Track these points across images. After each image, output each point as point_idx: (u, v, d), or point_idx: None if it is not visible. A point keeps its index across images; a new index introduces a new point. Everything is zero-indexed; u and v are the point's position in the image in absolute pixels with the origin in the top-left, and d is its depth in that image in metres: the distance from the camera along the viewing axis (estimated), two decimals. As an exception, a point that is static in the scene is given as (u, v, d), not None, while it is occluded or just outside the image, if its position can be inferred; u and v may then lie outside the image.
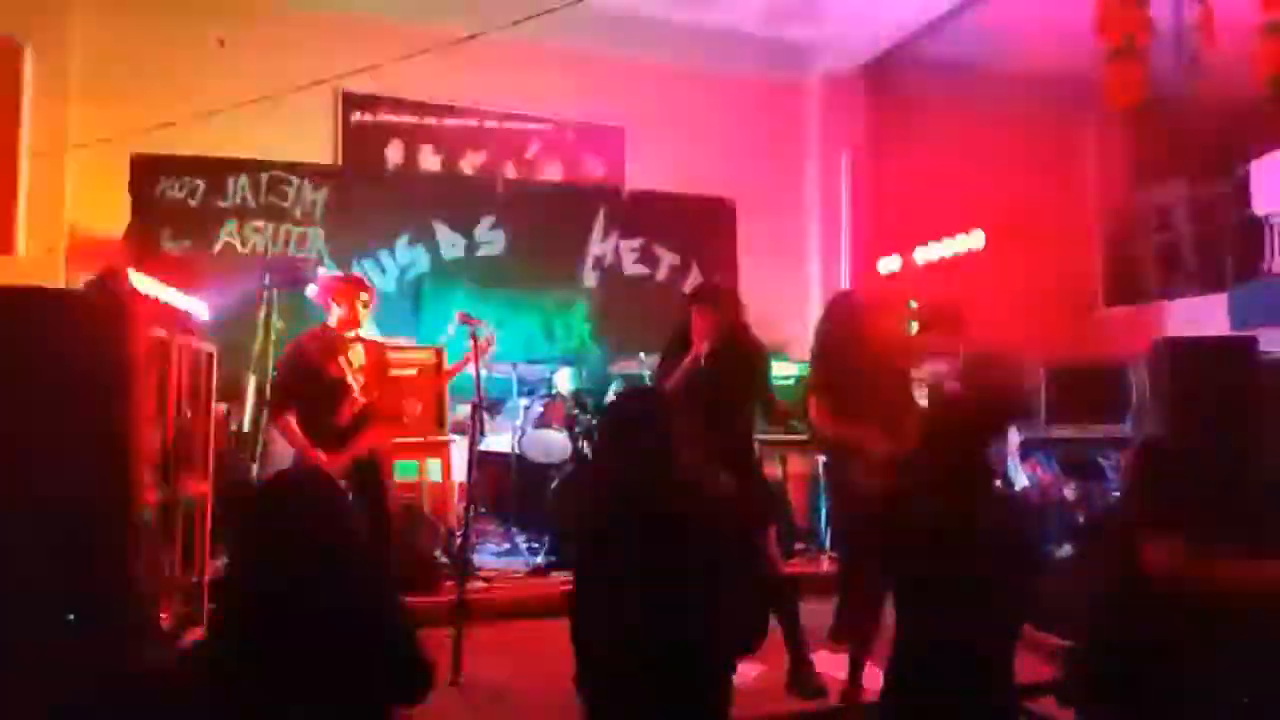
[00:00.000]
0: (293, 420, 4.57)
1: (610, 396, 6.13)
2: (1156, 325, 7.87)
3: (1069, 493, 6.11)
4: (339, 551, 2.43)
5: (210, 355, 4.60)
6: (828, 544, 6.29)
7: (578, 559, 2.74)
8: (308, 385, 4.61)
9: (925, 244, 6.68)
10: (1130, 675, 2.83)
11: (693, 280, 7.98)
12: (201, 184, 6.80)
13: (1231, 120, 7.35)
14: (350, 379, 4.67)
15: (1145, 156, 8.89)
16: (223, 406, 5.61)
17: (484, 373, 5.25)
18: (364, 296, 4.78)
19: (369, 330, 5.04)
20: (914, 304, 6.76)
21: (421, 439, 5.90)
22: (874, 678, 3.07)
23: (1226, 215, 8.18)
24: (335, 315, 4.74)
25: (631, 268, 7.93)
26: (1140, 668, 2.80)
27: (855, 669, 3.05)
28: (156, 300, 4.20)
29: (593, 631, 2.58)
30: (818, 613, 4.64)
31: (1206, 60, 5.31)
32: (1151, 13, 4.40)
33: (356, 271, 7.02)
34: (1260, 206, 7.50)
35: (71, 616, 3.25)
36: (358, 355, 4.77)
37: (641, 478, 2.63)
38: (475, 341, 4.96)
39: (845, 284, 7.97)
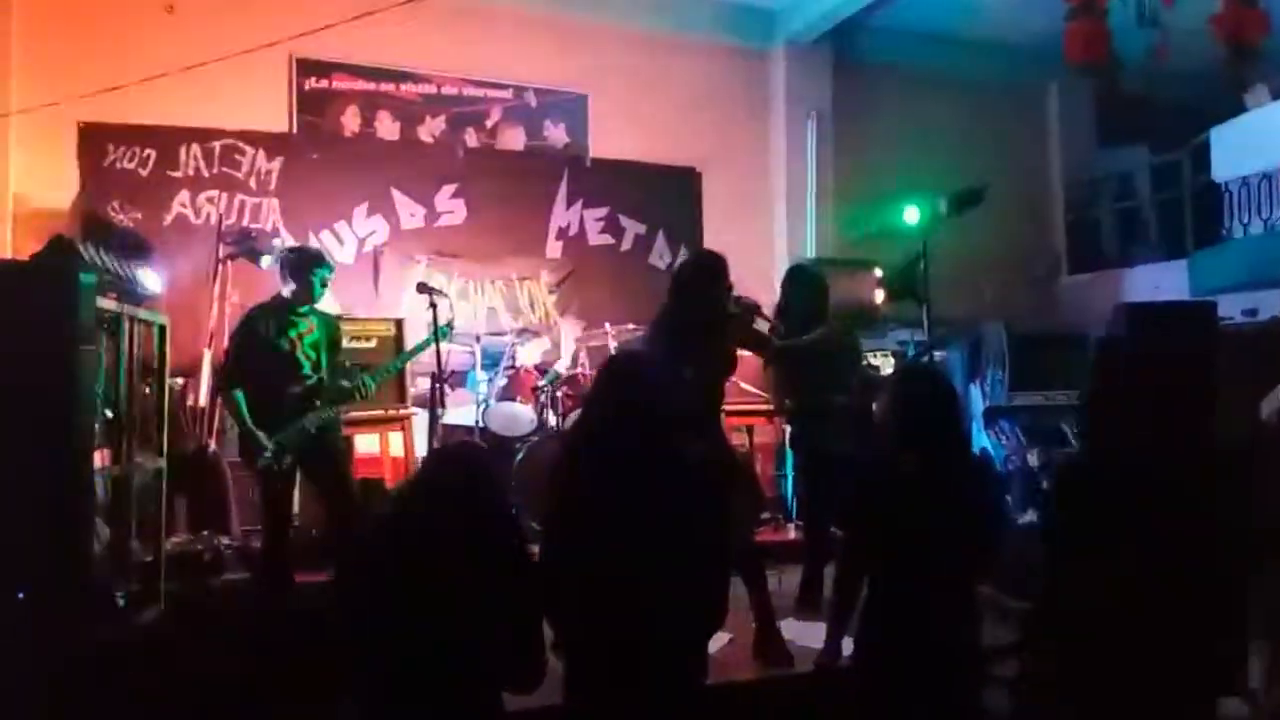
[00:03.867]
0: (239, 396, 4.43)
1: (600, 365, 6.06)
2: (1117, 292, 7.95)
3: (1032, 459, 6.16)
4: (494, 531, 2.43)
5: (163, 328, 4.49)
6: (794, 513, 6.30)
7: (557, 524, 2.69)
8: (258, 359, 4.49)
9: (889, 210, 6.66)
10: (1089, 635, 2.86)
11: (659, 250, 7.93)
12: (152, 153, 6.61)
13: (1191, 86, 7.41)
14: (300, 354, 4.56)
15: (1107, 122, 8.95)
16: (178, 380, 5.51)
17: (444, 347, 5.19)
18: (320, 272, 4.63)
19: (327, 303, 4.92)
20: (879, 271, 6.77)
21: (382, 412, 5.81)
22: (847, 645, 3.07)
23: (1186, 182, 8.27)
24: (289, 288, 4.62)
25: (596, 237, 7.85)
26: (1098, 627, 2.83)
27: (832, 635, 3.05)
28: (107, 272, 4.09)
29: (571, 599, 2.55)
30: (784, 581, 4.66)
31: (1166, 24, 5.33)
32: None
33: (314, 243, 6.89)
34: (1220, 173, 7.58)
35: (21, 595, 3.16)
36: (311, 329, 4.65)
37: (630, 442, 2.60)
38: (435, 311, 4.88)
39: (812, 251, 7.95)
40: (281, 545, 4.47)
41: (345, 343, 5.01)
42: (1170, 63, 5.41)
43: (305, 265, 4.63)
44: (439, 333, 5.02)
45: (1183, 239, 8.18)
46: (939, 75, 8.37)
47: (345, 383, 4.62)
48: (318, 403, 4.52)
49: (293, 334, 4.55)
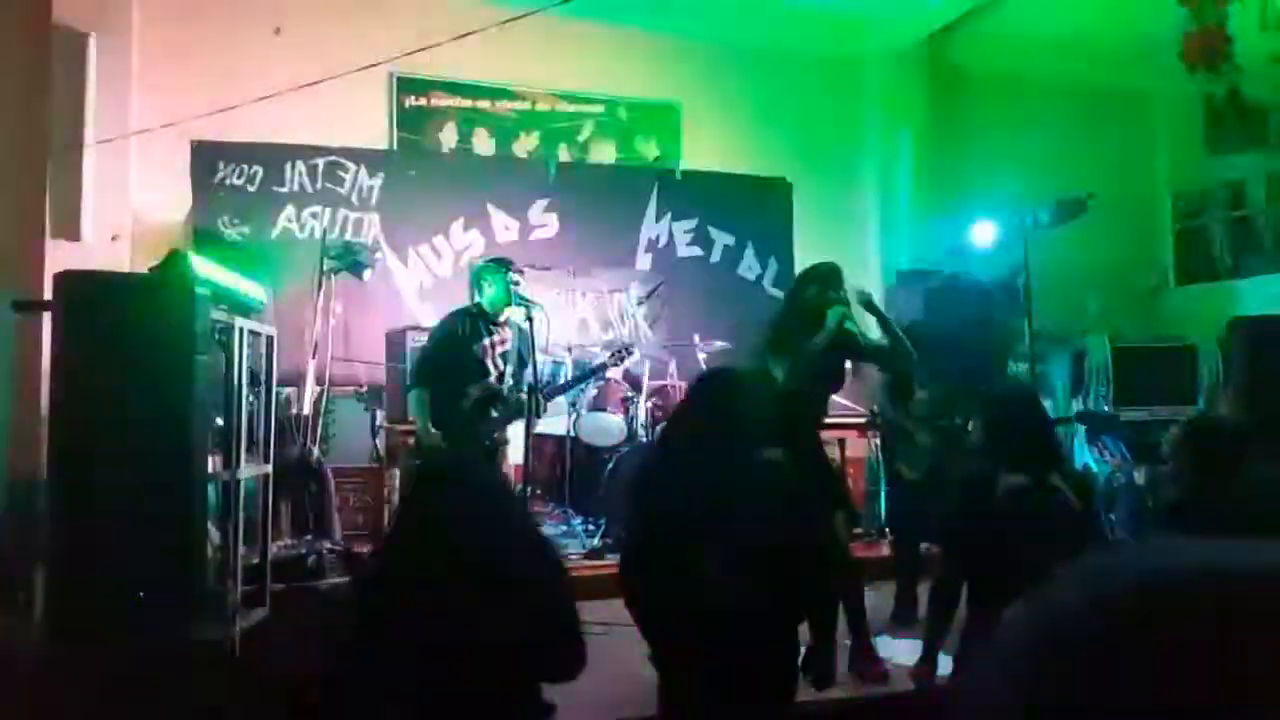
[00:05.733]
0: (423, 395, 4.61)
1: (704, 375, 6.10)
2: (1229, 304, 7.62)
3: (1138, 477, 5.93)
4: (505, 526, 2.46)
5: (270, 339, 4.64)
6: (887, 527, 6.19)
7: (645, 532, 2.71)
8: (449, 361, 4.65)
9: (988, 220, 6.50)
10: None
11: (748, 261, 7.90)
12: (260, 170, 6.85)
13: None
14: (490, 361, 4.70)
15: (1217, 129, 8.60)
16: (284, 389, 5.69)
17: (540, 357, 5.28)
18: (514, 278, 4.80)
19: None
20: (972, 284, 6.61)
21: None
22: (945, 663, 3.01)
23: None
24: (486, 296, 4.77)
25: (685, 249, 7.85)
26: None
27: (928, 653, 2.99)
28: (218, 285, 4.26)
29: (665, 606, 2.56)
30: (880, 596, 4.58)
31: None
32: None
33: (413, 257, 7.07)
34: (1342, 180, 7.21)
35: (141, 594, 3.30)
36: (504, 340, 4.78)
37: (718, 458, 2.62)
38: (531, 324, 4.96)
39: (906, 263, 7.81)
40: None
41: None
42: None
43: (498, 274, 4.80)
44: (617, 355, 5.17)
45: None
46: (1039, 81, 8.17)
47: (523, 397, 4.74)
48: (494, 412, 4.65)
49: (485, 341, 4.70)
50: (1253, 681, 0.49)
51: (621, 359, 5.47)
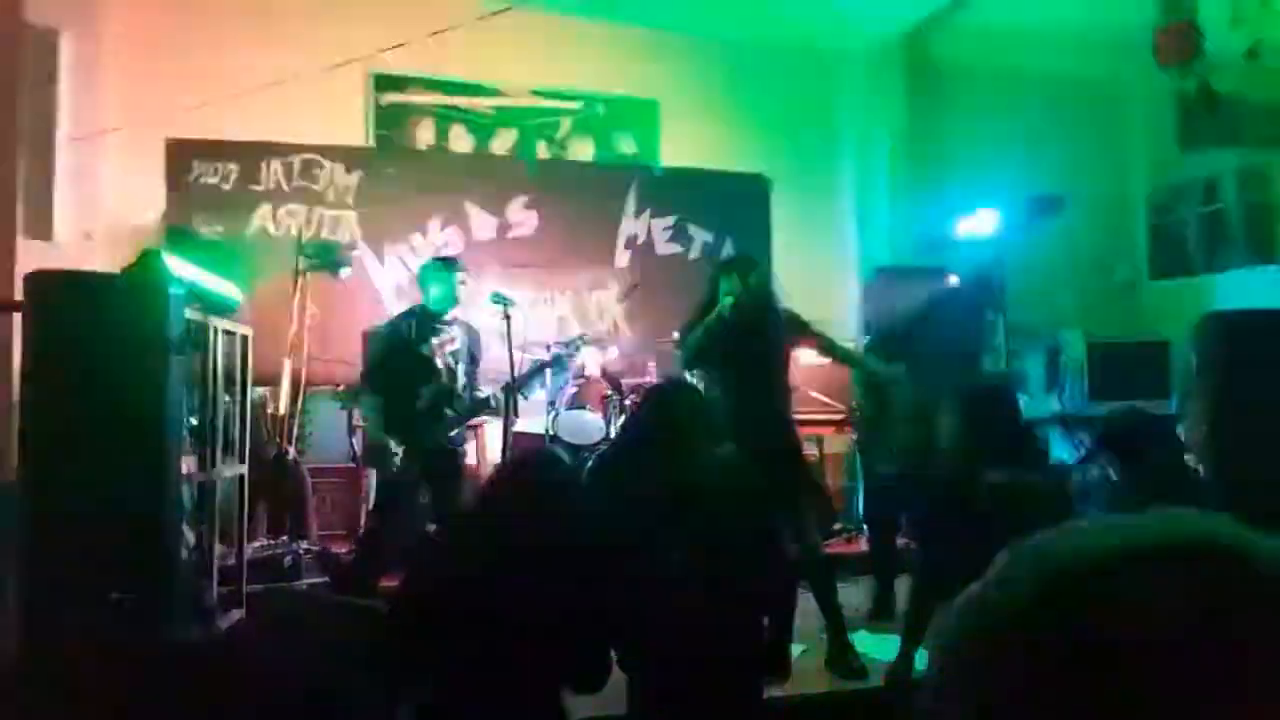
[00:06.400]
0: (373, 400, 4.57)
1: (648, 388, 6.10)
2: (1205, 298, 7.69)
3: (1113, 472, 5.97)
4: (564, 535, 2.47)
5: (246, 338, 4.61)
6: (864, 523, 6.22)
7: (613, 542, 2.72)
8: (396, 364, 4.61)
9: (967, 216, 6.53)
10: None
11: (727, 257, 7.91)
12: (235, 168, 6.79)
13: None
14: (439, 362, 4.66)
15: (1191, 124, 8.67)
16: (260, 389, 5.65)
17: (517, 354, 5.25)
18: (461, 277, 4.75)
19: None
20: (954, 278, 6.64)
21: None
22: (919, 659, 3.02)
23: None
24: (431, 295, 4.73)
25: (664, 246, 7.84)
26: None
27: (905, 649, 3.01)
28: (192, 284, 4.22)
29: (640, 616, 2.58)
30: (857, 593, 4.61)
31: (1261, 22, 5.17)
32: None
33: (390, 256, 7.03)
34: (1313, 175, 7.29)
35: (116, 597, 3.27)
36: (453, 340, 4.75)
37: (684, 471, 2.63)
38: (509, 321, 4.95)
39: (885, 257, 7.84)
40: (378, 552, 4.56)
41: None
42: (1264, 61, 5.25)
43: (444, 273, 4.74)
44: (572, 345, 5.15)
45: (1275, 244, 7.89)
46: (1016, 78, 8.21)
47: (481, 394, 4.70)
48: (449, 412, 4.61)
49: (434, 341, 4.65)
50: (1183, 663, 0.49)
51: (577, 348, 5.46)
